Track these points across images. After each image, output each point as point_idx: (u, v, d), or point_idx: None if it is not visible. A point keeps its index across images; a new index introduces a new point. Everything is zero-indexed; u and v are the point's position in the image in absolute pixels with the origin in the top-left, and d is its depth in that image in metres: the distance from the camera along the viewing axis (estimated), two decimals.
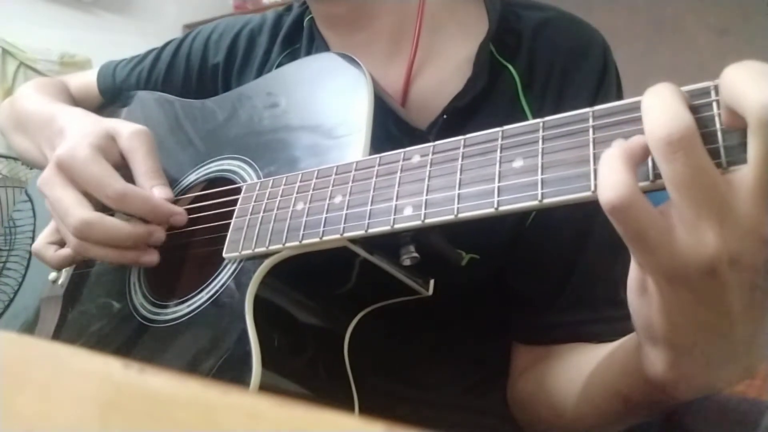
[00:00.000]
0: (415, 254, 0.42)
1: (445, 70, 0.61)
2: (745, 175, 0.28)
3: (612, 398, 0.44)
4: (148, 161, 0.55)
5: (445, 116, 0.58)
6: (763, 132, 0.26)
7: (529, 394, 0.58)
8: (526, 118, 0.58)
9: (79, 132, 0.55)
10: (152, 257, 0.53)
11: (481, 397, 0.61)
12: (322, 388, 0.48)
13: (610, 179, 0.30)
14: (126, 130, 0.56)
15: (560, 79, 0.59)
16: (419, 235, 0.42)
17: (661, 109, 0.29)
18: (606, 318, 0.55)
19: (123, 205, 0.51)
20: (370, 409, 0.46)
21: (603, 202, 0.30)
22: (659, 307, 0.32)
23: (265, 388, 0.41)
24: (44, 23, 2.30)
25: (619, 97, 0.62)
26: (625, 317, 0.37)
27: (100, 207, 0.52)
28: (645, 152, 0.30)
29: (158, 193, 0.53)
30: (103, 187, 0.51)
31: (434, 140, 0.40)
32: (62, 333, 0.60)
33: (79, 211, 0.50)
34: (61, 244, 0.60)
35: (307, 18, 0.69)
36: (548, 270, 0.58)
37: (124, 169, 0.55)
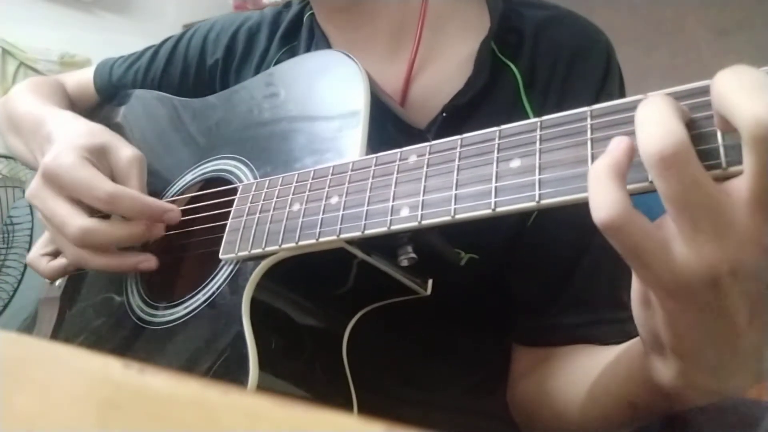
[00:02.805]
0: (413, 255, 0.42)
1: (446, 69, 0.61)
2: (741, 185, 0.28)
3: (618, 404, 0.44)
4: (141, 188, 0.54)
5: (444, 114, 0.58)
6: (757, 147, 0.26)
7: (530, 396, 0.57)
8: (527, 117, 0.57)
9: (65, 139, 0.55)
10: (150, 263, 0.53)
11: (481, 399, 0.61)
12: (321, 389, 0.48)
13: (601, 199, 0.29)
14: (125, 153, 0.55)
15: (562, 77, 0.59)
16: (417, 236, 0.42)
17: (653, 123, 0.28)
18: (607, 320, 0.55)
19: (114, 206, 0.50)
20: (369, 410, 0.46)
21: (596, 222, 0.29)
22: (663, 320, 0.32)
23: (262, 390, 0.41)
24: (44, 23, 2.29)
25: (622, 96, 0.62)
26: (627, 319, 0.36)
27: (91, 214, 0.52)
28: (631, 157, 0.30)
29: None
30: (92, 189, 0.50)
31: (433, 139, 0.40)
32: (59, 335, 0.60)
33: (76, 220, 0.50)
34: (55, 254, 0.60)
35: (308, 14, 0.68)
36: (549, 271, 0.58)
37: None
